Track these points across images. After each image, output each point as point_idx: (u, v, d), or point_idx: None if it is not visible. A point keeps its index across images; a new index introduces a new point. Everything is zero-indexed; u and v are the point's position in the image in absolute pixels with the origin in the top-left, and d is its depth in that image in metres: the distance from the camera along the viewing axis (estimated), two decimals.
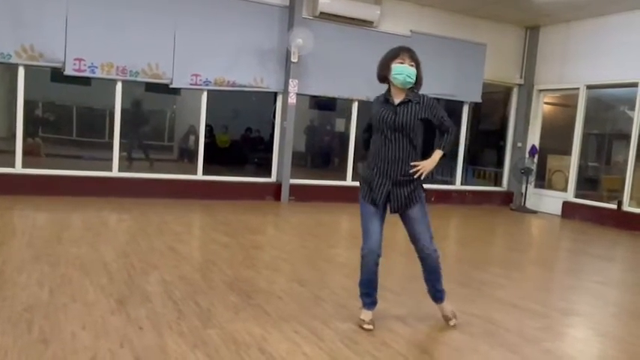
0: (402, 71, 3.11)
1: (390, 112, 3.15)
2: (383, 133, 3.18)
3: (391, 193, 3.19)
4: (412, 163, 3.18)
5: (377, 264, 3.23)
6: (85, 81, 8.24)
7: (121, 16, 7.64)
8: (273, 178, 9.05)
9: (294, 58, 8.45)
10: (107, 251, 4.70)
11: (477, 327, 3.46)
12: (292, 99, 8.66)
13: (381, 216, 3.25)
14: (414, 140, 3.18)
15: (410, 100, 3.17)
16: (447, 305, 3.44)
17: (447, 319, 3.42)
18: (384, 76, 3.21)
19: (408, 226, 3.29)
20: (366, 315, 3.29)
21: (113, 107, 7.98)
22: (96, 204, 7.11)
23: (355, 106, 9.46)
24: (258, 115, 12.80)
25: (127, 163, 9.45)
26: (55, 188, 7.45)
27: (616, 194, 9.16)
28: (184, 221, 6.79)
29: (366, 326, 3.22)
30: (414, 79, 3.14)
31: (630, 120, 8.92)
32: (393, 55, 3.18)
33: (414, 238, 3.29)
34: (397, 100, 3.18)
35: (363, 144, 3.46)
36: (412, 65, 3.13)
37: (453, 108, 10.89)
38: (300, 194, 8.87)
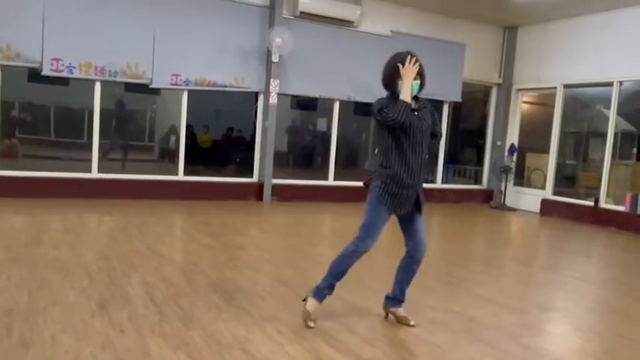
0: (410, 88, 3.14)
1: (416, 118, 3.18)
2: (410, 138, 3.16)
3: (419, 194, 3.26)
4: None
5: None
6: (63, 81, 8.14)
7: (99, 16, 7.56)
8: (255, 178, 9.03)
9: (274, 58, 8.44)
10: (87, 253, 4.66)
11: (457, 323, 3.51)
12: (273, 99, 8.66)
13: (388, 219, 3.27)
14: (429, 143, 3.34)
15: (423, 107, 3.28)
16: (403, 309, 3.46)
17: (405, 320, 3.39)
18: (391, 86, 3.22)
19: (412, 227, 3.29)
20: (313, 306, 3.25)
21: (92, 107, 7.89)
22: (75, 206, 7.03)
23: (337, 106, 9.49)
24: (239, 115, 12.75)
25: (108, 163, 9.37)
26: (33, 190, 7.35)
27: (593, 191, 9.34)
28: (166, 222, 6.75)
29: (311, 323, 3.20)
30: (417, 90, 3.23)
31: (606, 118, 9.09)
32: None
33: (415, 240, 3.29)
34: (414, 105, 3.20)
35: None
36: (416, 78, 3.17)
37: (433, 107, 10.99)
38: (283, 194, 8.87)
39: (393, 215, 3.27)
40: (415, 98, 3.24)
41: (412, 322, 3.38)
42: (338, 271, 3.26)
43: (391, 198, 3.18)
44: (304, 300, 3.33)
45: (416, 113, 3.19)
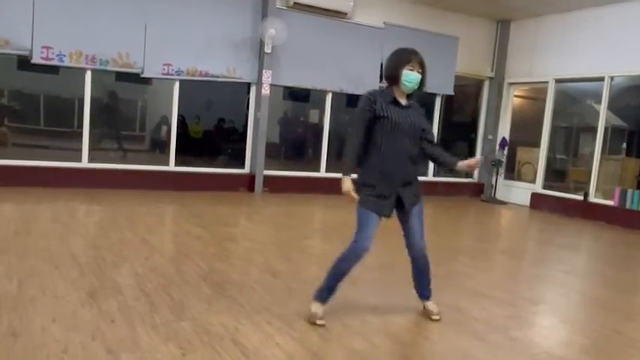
0: (413, 80, 3.12)
1: (401, 115, 3.14)
2: (390, 136, 3.12)
3: (401, 194, 3.19)
4: (465, 163, 3.28)
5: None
6: (54, 69, 8.05)
7: (90, 4, 7.48)
8: (246, 169, 9.02)
9: (267, 49, 8.41)
10: (77, 243, 4.64)
11: (446, 316, 3.53)
12: (266, 90, 8.63)
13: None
14: (418, 142, 3.27)
15: (413, 106, 3.25)
16: (432, 303, 3.49)
17: (431, 314, 3.46)
18: (394, 78, 3.16)
19: (406, 227, 3.27)
20: (320, 309, 3.21)
21: (82, 96, 7.82)
22: (65, 195, 6.99)
23: (329, 98, 9.48)
24: (231, 105, 12.72)
25: (100, 153, 9.31)
26: (22, 179, 7.29)
27: (582, 186, 9.41)
28: (156, 213, 6.73)
29: (320, 322, 3.15)
30: (418, 86, 3.18)
31: (597, 113, 9.15)
32: (406, 60, 3.13)
33: (410, 240, 3.29)
34: (403, 102, 3.19)
35: (356, 149, 3.14)
36: (419, 72, 3.15)
37: (425, 100, 11.02)
38: (274, 185, 8.87)
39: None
40: (408, 96, 3.22)
41: (435, 317, 3.42)
42: (341, 274, 3.20)
43: (371, 198, 3.13)
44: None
45: (403, 111, 3.15)
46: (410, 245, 3.31)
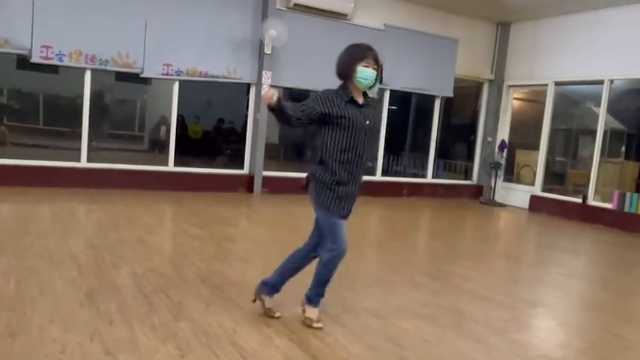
0: (368, 76, 3.01)
1: (359, 114, 3.04)
2: (349, 134, 3.01)
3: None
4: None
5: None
6: (53, 69, 8.03)
7: (90, 3, 7.47)
8: (245, 170, 9.01)
9: (267, 50, 8.41)
10: (76, 243, 4.63)
11: (445, 318, 3.54)
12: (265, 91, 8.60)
13: None
14: (372, 144, 3.19)
15: (370, 104, 3.15)
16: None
17: (271, 312, 3.26)
18: (347, 74, 3.05)
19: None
20: (315, 313, 3.18)
21: (81, 96, 7.81)
22: (63, 195, 6.98)
23: None
24: (231, 106, 12.73)
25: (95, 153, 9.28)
26: (21, 178, 7.28)
27: (581, 188, 9.42)
28: (155, 213, 6.72)
29: (317, 325, 3.13)
30: (373, 83, 3.08)
31: (596, 116, 9.16)
32: (360, 56, 3.03)
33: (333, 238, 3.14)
34: (360, 101, 3.09)
35: (298, 116, 3.01)
36: (375, 68, 3.04)
37: (425, 102, 11.04)
38: (273, 186, 8.86)
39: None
40: (364, 94, 3.12)
41: (277, 314, 3.24)
42: (325, 280, 3.17)
43: (333, 202, 3.05)
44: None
45: (361, 110, 3.05)
46: (322, 248, 3.18)
